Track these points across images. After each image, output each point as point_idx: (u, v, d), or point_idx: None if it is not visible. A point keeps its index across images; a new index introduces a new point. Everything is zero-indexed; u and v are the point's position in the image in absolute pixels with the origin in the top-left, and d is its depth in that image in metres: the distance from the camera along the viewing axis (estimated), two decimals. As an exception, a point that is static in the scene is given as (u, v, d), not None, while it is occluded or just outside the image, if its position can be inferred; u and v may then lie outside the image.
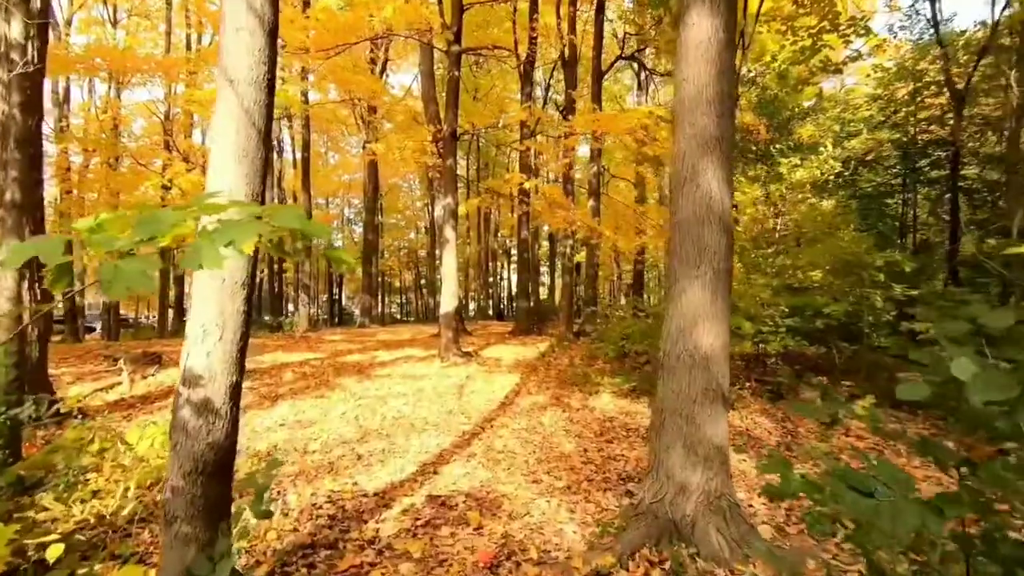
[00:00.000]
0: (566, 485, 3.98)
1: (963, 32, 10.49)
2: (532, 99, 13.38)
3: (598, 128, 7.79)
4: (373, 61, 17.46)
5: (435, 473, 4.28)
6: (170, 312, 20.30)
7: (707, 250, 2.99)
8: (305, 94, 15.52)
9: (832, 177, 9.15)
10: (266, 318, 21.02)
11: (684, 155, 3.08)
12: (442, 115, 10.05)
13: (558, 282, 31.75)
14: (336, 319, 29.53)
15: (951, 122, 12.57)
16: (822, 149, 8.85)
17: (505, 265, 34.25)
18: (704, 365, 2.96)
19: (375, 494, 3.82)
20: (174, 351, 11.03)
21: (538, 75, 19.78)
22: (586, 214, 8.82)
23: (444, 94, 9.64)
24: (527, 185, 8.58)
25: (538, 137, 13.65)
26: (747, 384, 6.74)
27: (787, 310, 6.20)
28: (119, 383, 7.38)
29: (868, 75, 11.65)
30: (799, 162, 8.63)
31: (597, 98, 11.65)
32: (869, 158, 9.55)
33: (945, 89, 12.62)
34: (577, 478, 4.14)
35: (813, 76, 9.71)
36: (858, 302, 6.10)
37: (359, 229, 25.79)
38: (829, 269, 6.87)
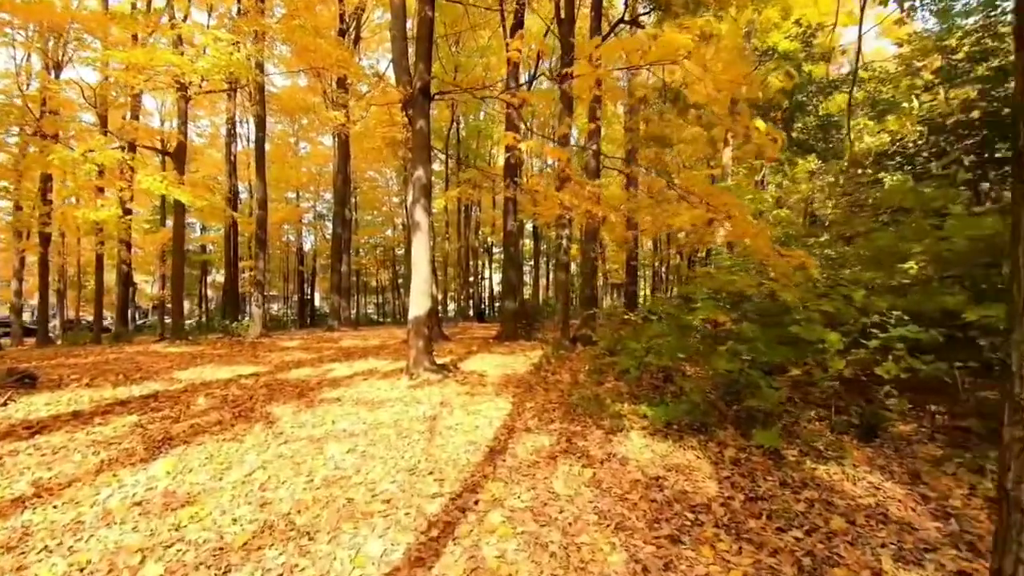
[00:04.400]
0: None
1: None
2: (520, 74, 11.15)
3: (605, 59, 5.51)
4: (343, 33, 15.02)
5: (364, 654, 2.03)
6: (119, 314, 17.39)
7: None
8: (260, 64, 12.97)
9: (911, 144, 7.19)
10: (225, 321, 18.22)
11: None
12: (412, 70, 7.78)
13: (542, 281, 29.65)
14: (309, 320, 26.82)
15: (978, 105, 10.96)
16: (906, 105, 6.90)
17: (486, 264, 32.04)
18: None
19: None
20: (75, 365, 8.26)
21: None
22: (591, 192, 6.66)
23: (414, 44, 7.35)
24: (521, 147, 6.37)
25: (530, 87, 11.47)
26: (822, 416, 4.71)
27: (905, 316, 4.21)
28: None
29: (899, 46, 9.86)
30: (871, 123, 6.66)
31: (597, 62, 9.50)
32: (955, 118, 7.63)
33: (975, 67, 11.02)
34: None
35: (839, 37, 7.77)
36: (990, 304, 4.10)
37: (332, 226, 23.21)
38: (929, 260, 4.90)
